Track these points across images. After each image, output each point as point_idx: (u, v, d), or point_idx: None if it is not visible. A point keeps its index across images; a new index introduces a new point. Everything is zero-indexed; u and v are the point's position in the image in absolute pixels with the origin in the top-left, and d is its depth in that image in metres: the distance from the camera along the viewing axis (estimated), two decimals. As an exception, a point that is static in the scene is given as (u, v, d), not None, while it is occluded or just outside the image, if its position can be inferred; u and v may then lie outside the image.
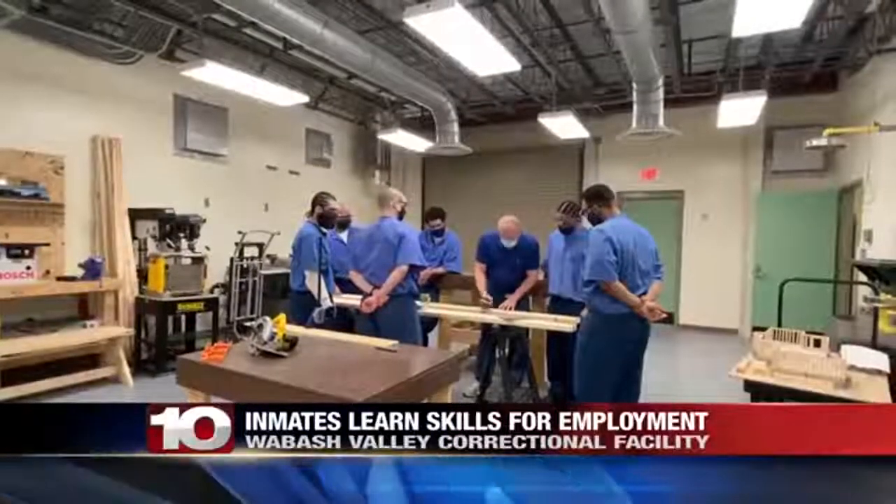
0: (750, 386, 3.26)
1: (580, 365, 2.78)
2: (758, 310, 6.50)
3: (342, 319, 4.27)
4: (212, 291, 5.55)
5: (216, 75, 4.26)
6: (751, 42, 5.17)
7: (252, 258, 5.76)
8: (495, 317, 3.55)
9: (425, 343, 4.44)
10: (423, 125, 7.75)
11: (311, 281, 3.26)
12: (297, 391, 1.93)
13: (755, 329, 6.51)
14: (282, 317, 2.52)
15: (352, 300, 3.54)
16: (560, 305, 3.67)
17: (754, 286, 6.57)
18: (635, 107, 4.87)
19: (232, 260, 5.59)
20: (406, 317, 3.23)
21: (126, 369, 4.17)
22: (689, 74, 5.89)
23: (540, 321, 3.50)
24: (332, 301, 3.42)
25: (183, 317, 4.95)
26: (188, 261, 4.85)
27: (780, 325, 4.54)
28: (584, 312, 2.88)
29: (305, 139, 7.35)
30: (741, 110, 5.01)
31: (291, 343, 2.44)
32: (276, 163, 6.84)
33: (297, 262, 3.44)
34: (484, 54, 3.67)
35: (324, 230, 3.54)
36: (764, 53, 5.22)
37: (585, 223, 3.66)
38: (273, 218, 6.44)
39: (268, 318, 2.46)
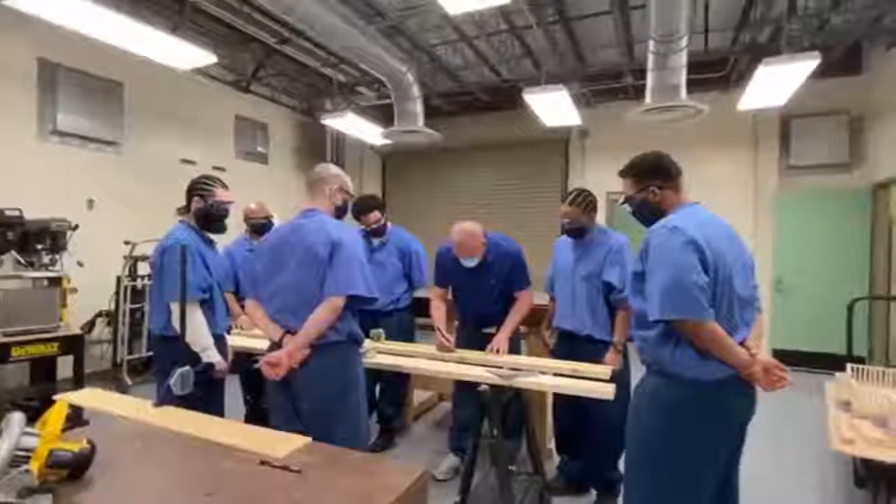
0: (870, 468, 2.18)
1: (645, 470, 1.56)
2: (778, 330, 5.53)
3: (248, 379, 2.94)
4: (92, 325, 4.13)
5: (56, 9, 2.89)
6: (768, 17, 4.25)
7: (149, 277, 4.35)
8: (483, 370, 2.29)
9: (373, 403, 3.10)
10: (383, 116, 6.54)
11: (177, 318, 1.93)
12: None
13: (775, 353, 5.59)
14: (56, 408, 1.22)
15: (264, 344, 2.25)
16: (571, 346, 2.47)
17: (773, 301, 5.59)
18: (650, 75, 3.78)
19: (119, 280, 4.18)
20: (342, 382, 1.90)
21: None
22: (705, 51, 4.90)
23: (555, 380, 2.22)
24: (215, 352, 2.08)
25: (40, 362, 3.53)
26: (44, 282, 3.45)
27: (849, 354, 3.52)
28: (644, 373, 1.66)
29: (234, 128, 6.00)
30: (775, 84, 4.01)
31: (75, 466, 1.14)
32: (195, 156, 5.45)
33: (159, 289, 2.10)
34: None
35: (209, 236, 2.23)
36: (788, 22, 4.26)
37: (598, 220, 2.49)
38: (189, 225, 5.05)
39: (15, 417, 1.15)
